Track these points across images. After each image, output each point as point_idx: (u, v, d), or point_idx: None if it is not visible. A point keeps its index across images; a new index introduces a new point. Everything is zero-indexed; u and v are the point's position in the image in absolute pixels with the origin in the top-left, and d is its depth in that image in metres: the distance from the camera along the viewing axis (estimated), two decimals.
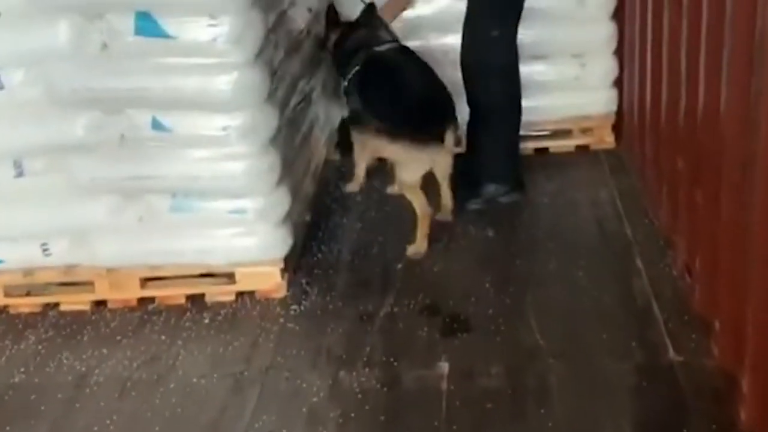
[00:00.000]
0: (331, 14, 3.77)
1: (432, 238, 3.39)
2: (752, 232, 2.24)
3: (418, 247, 3.35)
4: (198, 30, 2.83)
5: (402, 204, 3.48)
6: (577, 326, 2.86)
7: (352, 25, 3.73)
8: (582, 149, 4.14)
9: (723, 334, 2.53)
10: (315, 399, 2.65)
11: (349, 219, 3.70)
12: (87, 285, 3.21)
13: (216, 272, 3.18)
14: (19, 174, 3.09)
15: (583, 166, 4.02)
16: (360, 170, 3.84)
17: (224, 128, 2.96)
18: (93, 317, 3.17)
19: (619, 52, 4.02)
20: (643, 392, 2.55)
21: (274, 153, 3.09)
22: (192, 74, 2.91)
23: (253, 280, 3.17)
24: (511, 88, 3.59)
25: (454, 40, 3.65)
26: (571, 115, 4.11)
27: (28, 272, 3.22)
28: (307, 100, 3.70)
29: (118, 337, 3.05)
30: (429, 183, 3.45)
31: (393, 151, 3.36)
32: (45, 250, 3.17)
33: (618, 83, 4.07)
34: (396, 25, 3.80)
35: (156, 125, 2.96)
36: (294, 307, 3.12)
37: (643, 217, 3.47)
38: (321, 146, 3.99)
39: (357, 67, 3.51)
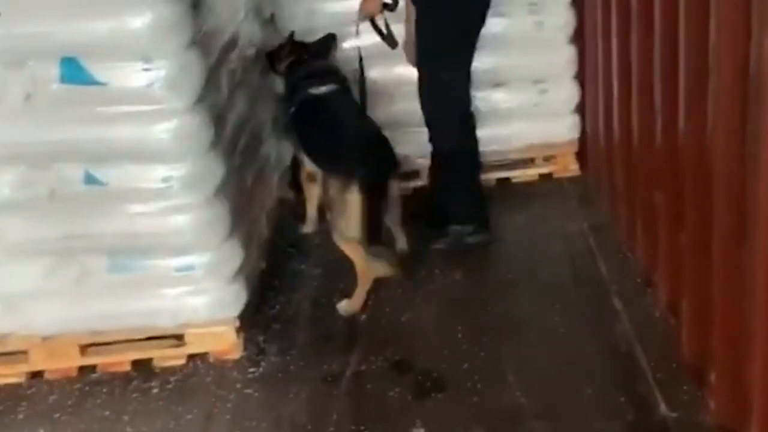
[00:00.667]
0: (290, 38, 3.67)
1: (397, 284, 3.22)
2: (755, 274, 2.07)
3: (353, 304, 3.17)
4: (131, 75, 2.71)
5: None
6: (559, 381, 2.70)
7: (306, 52, 3.64)
8: (545, 177, 4.05)
9: (721, 387, 2.37)
10: None
11: (308, 264, 3.53)
12: (21, 355, 3.03)
13: (164, 334, 3.00)
14: None
15: (548, 197, 3.90)
16: (312, 209, 3.69)
17: (165, 179, 2.83)
18: (29, 391, 2.97)
19: (580, 77, 3.91)
20: None
21: (221, 203, 2.96)
22: (127, 123, 2.77)
23: (205, 341, 3.01)
24: (469, 134, 3.52)
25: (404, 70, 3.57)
26: (533, 142, 4.02)
27: None
28: (256, 138, 3.51)
29: (57, 414, 2.84)
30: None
31: (330, 191, 3.19)
32: None
33: (580, 109, 3.96)
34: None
35: (89, 179, 2.83)
36: (251, 369, 2.96)
37: (617, 252, 3.32)
38: (273, 186, 3.80)
39: (293, 108, 3.47)
